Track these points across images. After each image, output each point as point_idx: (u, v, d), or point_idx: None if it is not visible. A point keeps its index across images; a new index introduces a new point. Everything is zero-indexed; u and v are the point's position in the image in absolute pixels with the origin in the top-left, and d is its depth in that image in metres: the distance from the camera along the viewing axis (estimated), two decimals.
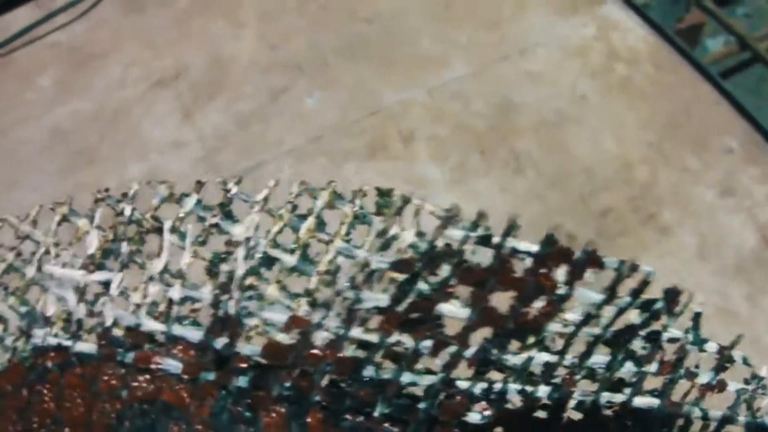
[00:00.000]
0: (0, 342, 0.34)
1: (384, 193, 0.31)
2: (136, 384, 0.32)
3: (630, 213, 1.21)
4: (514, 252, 0.28)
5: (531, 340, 0.29)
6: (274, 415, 0.30)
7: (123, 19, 1.52)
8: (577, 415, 0.30)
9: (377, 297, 0.29)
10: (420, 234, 0.29)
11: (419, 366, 0.30)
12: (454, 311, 0.29)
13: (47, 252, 0.35)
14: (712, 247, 1.17)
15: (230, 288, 0.31)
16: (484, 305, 0.28)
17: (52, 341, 0.33)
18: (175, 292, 0.32)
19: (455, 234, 0.28)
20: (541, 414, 0.30)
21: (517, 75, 1.35)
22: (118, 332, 0.33)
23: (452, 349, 0.29)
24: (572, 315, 0.29)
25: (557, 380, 0.29)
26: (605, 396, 0.30)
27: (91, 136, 1.39)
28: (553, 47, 1.39)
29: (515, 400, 0.30)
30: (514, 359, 0.29)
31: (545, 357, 0.29)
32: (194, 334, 0.32)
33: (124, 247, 0.33)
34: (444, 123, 1.30)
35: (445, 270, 0.28)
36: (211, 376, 0.32)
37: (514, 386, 0.29)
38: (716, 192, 1.22)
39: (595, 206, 1.21)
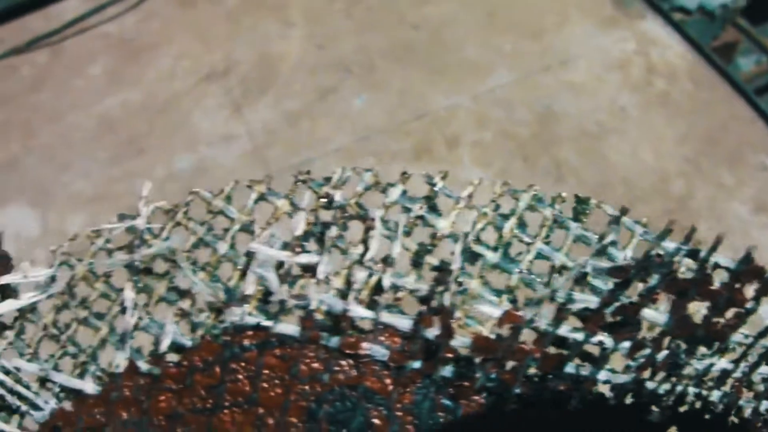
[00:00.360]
0: (186, 316, 0.34)
1: (582, 201, 0.34)
2: (337, 368, 0.33)
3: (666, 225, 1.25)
4: (716, 266, 0.31)
5: (716, 348, 0.32)
6: (473, 404, 0.33)
7: (173, 13, 1.55)
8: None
9: (588, 298, 0.32)
10: (613, 243, 0.32)
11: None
12: (655, 317, 0.32)
13: (243, 229, 0.35)
14: None
15: (446, 280, 0.33)
16: (682, 313, 0.31)
17: (251, 320, 0.33)
18: (387, 280, 0.33)
19: (668, 246, 0.31)
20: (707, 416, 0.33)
21: (558, 85, 1.39)
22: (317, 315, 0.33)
23: (646, 351, 0.32)
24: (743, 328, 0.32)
25: (727, 387, 0.33)
26: (764, 404, 0.33)
27: (140, 126, 1.43)
28: (594, 60, 1.42)
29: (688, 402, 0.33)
30: (696, 365, 0.32)
31: (723, 364, 0.32)
32: (404, 323, 0.33)
33: (333, 231, 0.34)
34: (488, 129, 1.33)
35: (654, 278, 0.31)
36: (417, 364, 0.33)
37: (692, 389, 0.32)
38: (750, 208, 1.26)
39: (632, 217, 1.25)
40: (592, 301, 0.32)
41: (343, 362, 0.33)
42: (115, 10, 1.56)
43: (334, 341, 0.33)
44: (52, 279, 0.34)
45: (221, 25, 1.51)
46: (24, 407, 0.34)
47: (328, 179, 0.35)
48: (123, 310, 0.34)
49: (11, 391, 0.33)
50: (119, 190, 1.36)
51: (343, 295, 0.34)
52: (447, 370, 0.33)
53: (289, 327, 0.34)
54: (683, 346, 0.32)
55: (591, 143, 1.32)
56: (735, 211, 1.26)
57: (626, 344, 0.32)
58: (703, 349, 0.33)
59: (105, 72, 1.51)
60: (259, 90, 1.42)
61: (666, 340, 0.32)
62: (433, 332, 0.33)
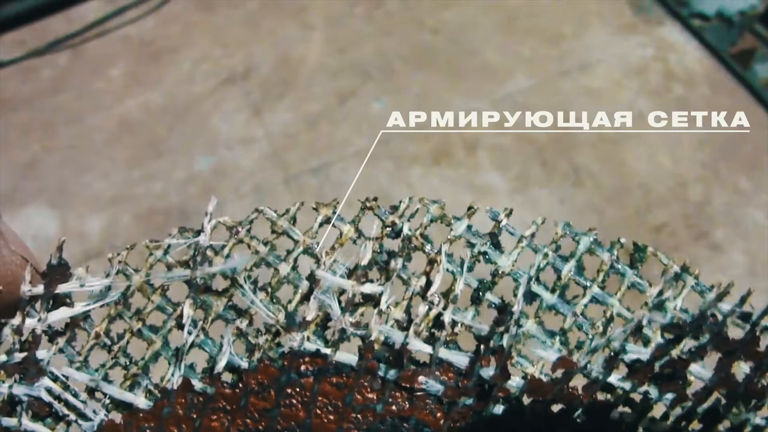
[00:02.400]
0: (242, 336, 0.33)
1: (640, 249, 0.35)
2: (391, 399, 0.33)
3: (683, 229, 1.26)
4: (765, 330, 0.32)
5: (752, 404, 0.33)
6: None
7: (193, 16, 1.56)
8: None
9: (640, 350, 0.32)
10: (662, 301, 0.33)
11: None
12: (701, 372, 0.32)
13: (307, 252, 0.34)
14: (762, 266, 1.22)
15: (506, 321, 0.32)
16: (726, 371, 0.32)
17: (310, 347, 0.33)
18: (447, 316, 0.33)
19: (723, 307, 0.32)
20: None
21: (577, 90, 1.40)
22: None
23: (688, 403, 0.33)
24: None
25: None
26: None
27: (159, 128, 1.44)
28: (612, 65, 1.43)
29: None
30: (732, 419, 0.33)
31: (758, 420, 0.33)
32: (461, 360, 0.33)
33: (399, 263, 0.33)
34: (506, 133, 1.34)
35: (705, 337, 0.32)
36: (470, 401, 0.33)
37: None
38: (767, 214, 1.27)
39: (650, 221, 1.26)
40: (643, 353, 0.32)
41: (397, 394, 0.33)
42: (135, 13, 1.57)
43: (392, 373, 0.33)
44: (108, 288, 0.33)
45: (241, 28, 1.53)
46: (71, 416, 0.33)
47: (395, 208, 0.34)
48: (179, 326, 0.33)
49: (58, 399, 0.33)
50: (139, 192, 1.38)
51: (401, 326, 0.33)
52: (498, 409, 0.33)
53: (347, 356, 0.33)
54: (723, 400, 0.33)
55: (609, 148, 1.33)
56: (752, 216, 1.27)
57: (669, 395, 0.33)
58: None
59: (125, 74, 1.52)
60: (278, 93, 1.43)
61: (707, 394, 0.33)
62: (488, 372, 0.33)
